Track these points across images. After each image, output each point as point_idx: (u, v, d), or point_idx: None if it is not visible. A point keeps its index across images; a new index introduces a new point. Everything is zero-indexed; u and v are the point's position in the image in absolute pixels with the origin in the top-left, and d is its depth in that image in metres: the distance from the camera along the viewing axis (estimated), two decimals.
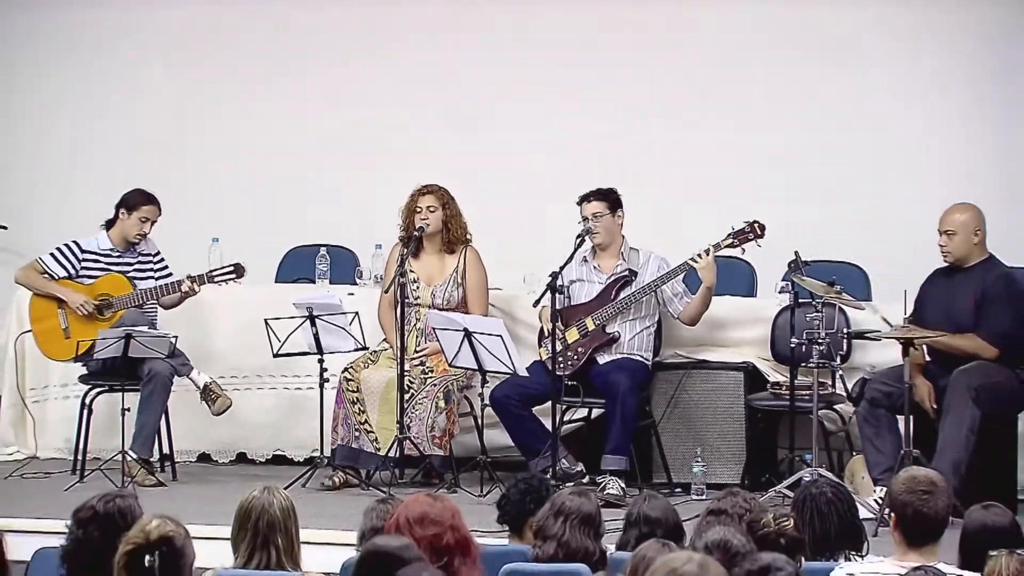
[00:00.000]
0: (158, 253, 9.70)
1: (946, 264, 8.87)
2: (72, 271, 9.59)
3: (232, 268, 9.47)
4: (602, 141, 10.73)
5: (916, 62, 10.76)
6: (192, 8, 11.42)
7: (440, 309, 9.37)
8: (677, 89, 10.88)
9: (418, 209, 9.45)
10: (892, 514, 5.81)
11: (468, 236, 9.57)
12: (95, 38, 11.58)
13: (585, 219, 9.30)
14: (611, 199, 9.31)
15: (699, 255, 9.08)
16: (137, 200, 9.55)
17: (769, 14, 10.86)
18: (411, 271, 9.41)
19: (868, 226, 10.31)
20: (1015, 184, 10.38)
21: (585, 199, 9.32)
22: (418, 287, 9.45)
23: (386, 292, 9.45)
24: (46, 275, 9.58)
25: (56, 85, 11.62)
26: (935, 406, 8.62)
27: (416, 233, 9.41)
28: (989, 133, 10.60)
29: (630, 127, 10.82)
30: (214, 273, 9.46)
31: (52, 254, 9.58)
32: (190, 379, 9.40)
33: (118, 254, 9.62)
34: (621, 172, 9.83)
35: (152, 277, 9.65)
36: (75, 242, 9.61)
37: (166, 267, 9.69)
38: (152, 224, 9.58)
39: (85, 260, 9.59)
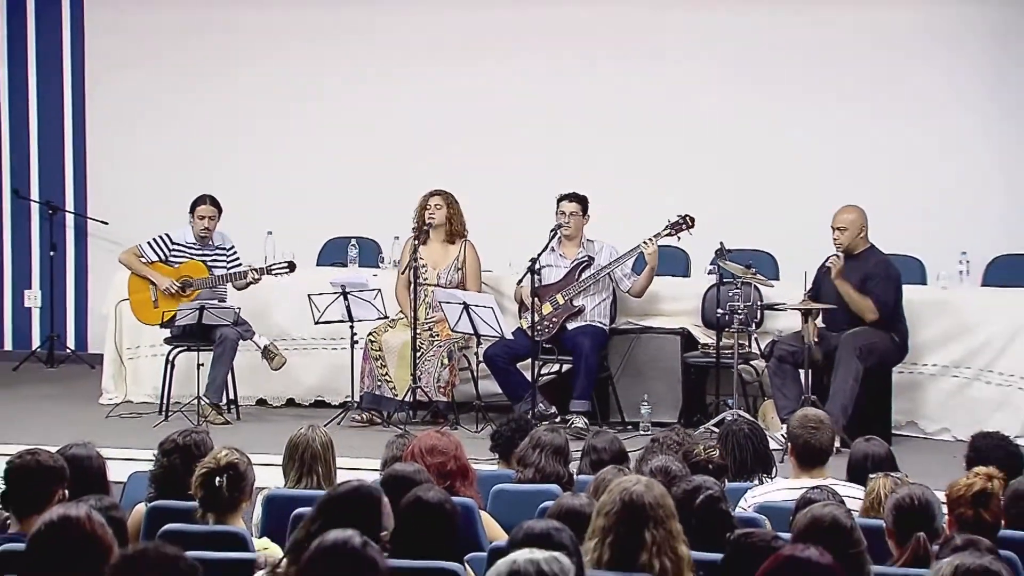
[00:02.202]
0: (233, 248, 9.72)
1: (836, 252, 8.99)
2: (163, 257, 9.58)
3: (287, 264, 9.50)
4: (573, 154, 10.65)
5: (813, 73, 10.61)
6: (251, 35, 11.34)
7: (444, 287, 9.46)
8: (634, 109, 10.75)
9: (428, 208, 9.52)
10: (792, 443, 6.14)
11: (466, 231, 9.63)
12: (177, 51, 11.44)
13: (562, 214, 9.44)
14: (584, 202, 9.46)
15: (646, 242, 9.21)
16: (195, 203, 9.62)
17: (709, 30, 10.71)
18: (421, 258, 9.44)
19: (777, 221, 10.19)
20: (889, 186, 10.29)
21: (565, 198, 9.46)
22: (426, 270, 9.49)
23: (403, 274, 9.56)
24: (142, 259, 9.57)
25: (142, 98, 11.42)
26: (823, 361, 8.77)
27: (425, 227, 9.49)
28: (884, 136, 10.49)
29: (595, 142, 10.75)
30: (272, 267, 9.50)
31: (148, 242, 9.59)
32: (253, 342, 9.43)
33: (198, 247, 9.64)
34: (588, 179, 9.82)
35: (224, 266, 9.65)
36: (167, 234, 9.62)
37: (238, 259, 9.70)
38: (212, 219, 9.60)
39: (174, 249, 9.60)
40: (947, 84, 10.49)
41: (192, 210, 9.66)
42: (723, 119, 10.68)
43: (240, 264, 9.76)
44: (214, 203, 9.66)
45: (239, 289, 9.67)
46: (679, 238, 9.41)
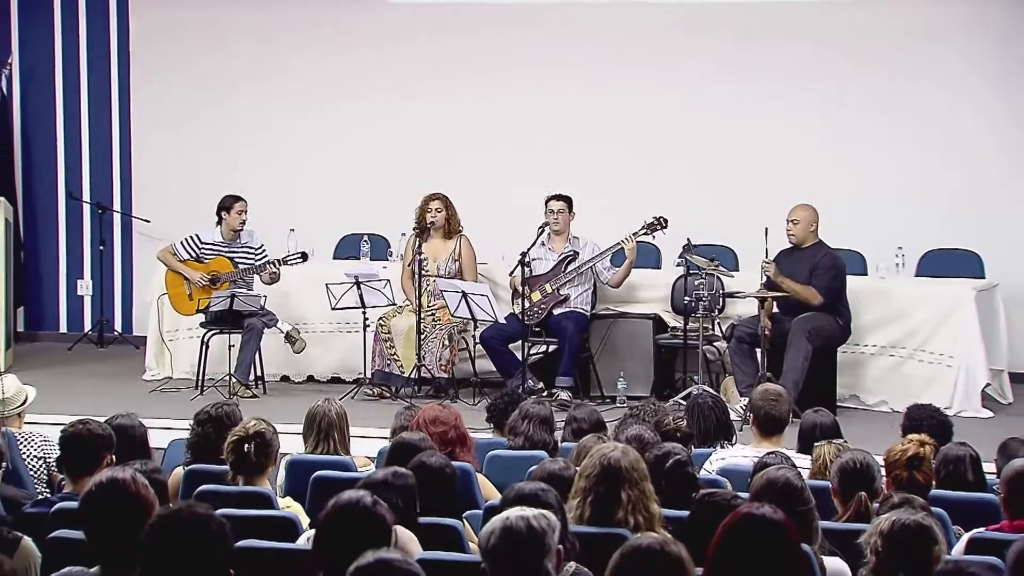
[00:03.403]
0: (262, 246, 9.67)
1: (790, 245, 9.01)
2: (194, 254, 9.58)
3: (300, 255, 9.46)
4: (560, 160, 10.53)
5: (766, 86, 10.44)
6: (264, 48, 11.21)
7: (444, 277, 9.44)
8: (614, 120, 10.63)
9: (429, 209, 9.48)
10: (751, 415, 6.22)
11: (461, 228, 9.59)
12: (210, 68, 11.30)
13: (550, 212, 9.40)
14: (570, 202, 9.44)
15: (626, 239, 9.21)
16: (230, 201, 9.56)
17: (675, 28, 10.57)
18: (423, 252, 9.39)
19: (737, 220, 9.98)
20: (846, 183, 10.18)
21: (553, 198, 9.43)
22: (427, 263, 9.44)
23: (408, 266, 9.52)
24: (176, 256, 9.59)
25: (180, 107, 11.35)
26: (778, 342, 8.74)
27: (428, 226, 9.48)
28: (831, 144, 10.34)
29: (579, 148, 10.63)
30: (288, 258, 9.46)
31: (181, 242, 9.60)
32: (277, 328, 9.47)
33: (226, 245, 9.60)
34: (573, 181, 9.78)
35: (251, 261, 9.59)
36: (197, 235, 9.61)
37: (265, 256, 9.63)
38: (246, 214, 9.56)
39: (204, 247, 9.59)
40: (884, 94, 10.34)
41: (228, 209, 9.60)
42: (690, 130, 10.59)
43: (267, 258, 9.72)
44: (244, 200, 9.63)
45: (267, 284, 9.64)
46: (654, 236, 9.41)
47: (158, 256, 9.83)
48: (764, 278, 8.95)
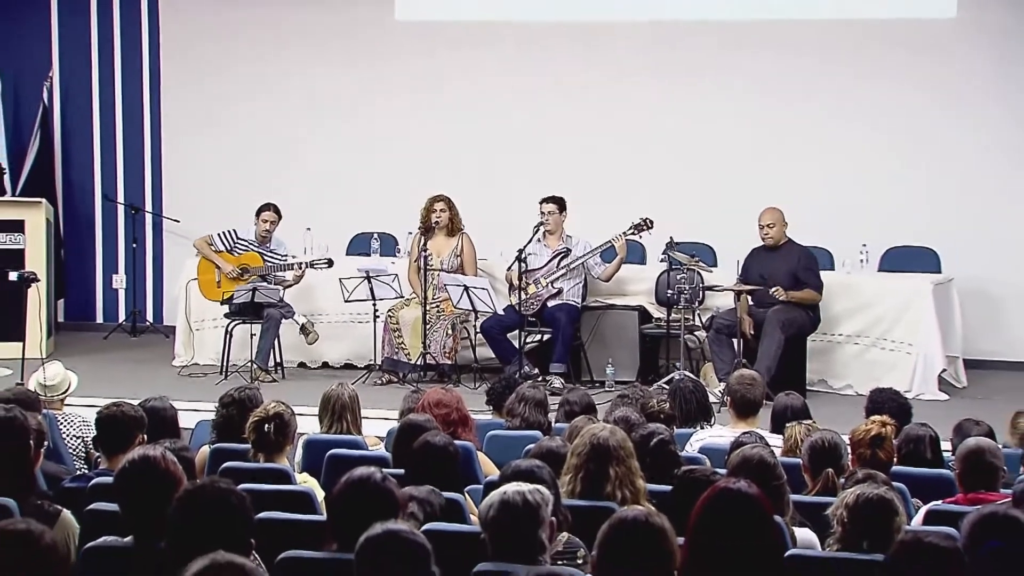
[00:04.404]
0: (286, 254, 9.66)
1: (763, 244, 9.03)
2: (229, 247, 9.56)
3: (327, 261, 9.48)
4: (554, 165, 10.49)
5: (740, 96, 10.41)
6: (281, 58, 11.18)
7: (447, 272, 9.39)
8: (603, 128, 10.62)
9: (433, 210, 9.48)
10: (728, 398, 6.23)
11: (463, 227, 9.56)
12: (234, 75, 11.27)
13: (543, 213, 9.37)
14: (562, 203, 9.40)
15: (615, 237, 9.18)
16: (260, 209, 9.59)
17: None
18: (427, 249, 9.36)
19: (715, 220, 10.06)
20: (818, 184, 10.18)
21: (546, 200, 9.40)
22: (432, 259, 9.38)
23: (415, 262, 9.50)
24: (212, 246, 9.58)
25: (206, 113, 11.33)
26: (752, 332, 8.79)
27: (432, 225, 9.48)
28: (800, 150, 10.31)
29: (572, 155, 10.62)
30: (315, 262, 9.48)
31: (219, 234, 9.58)
32: (293, 320, 9.46)
33: (257, 244, 9.60)
34: (565, 185, 9.70)
35: (278, 261, 9.62)
36: (234, 230, 9.61)
37: (287, 258, 9.65)
38: (273, 223, 9.55)
39: (239, 243, 9.58)
40: (849, 101, 10.29)
41: (257, 215, 9.62)
42: (672, 140, 10.59)
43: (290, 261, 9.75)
44: (276, 211, 9.62)
45: (288, 287, 9.63)
46: (640, 236, 9.42)
47: (195, 244, 9.80)
48: (741, 274, 9.05)
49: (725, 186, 10.39)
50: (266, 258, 9.64)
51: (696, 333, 9.27)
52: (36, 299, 8.63)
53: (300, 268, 9.55)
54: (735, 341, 8.82)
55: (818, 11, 10.36)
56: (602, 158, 10.67)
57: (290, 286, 9.62)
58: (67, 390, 6.46)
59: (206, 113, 11.40)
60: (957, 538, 3.47)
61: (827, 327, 9.20)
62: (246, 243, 9.65)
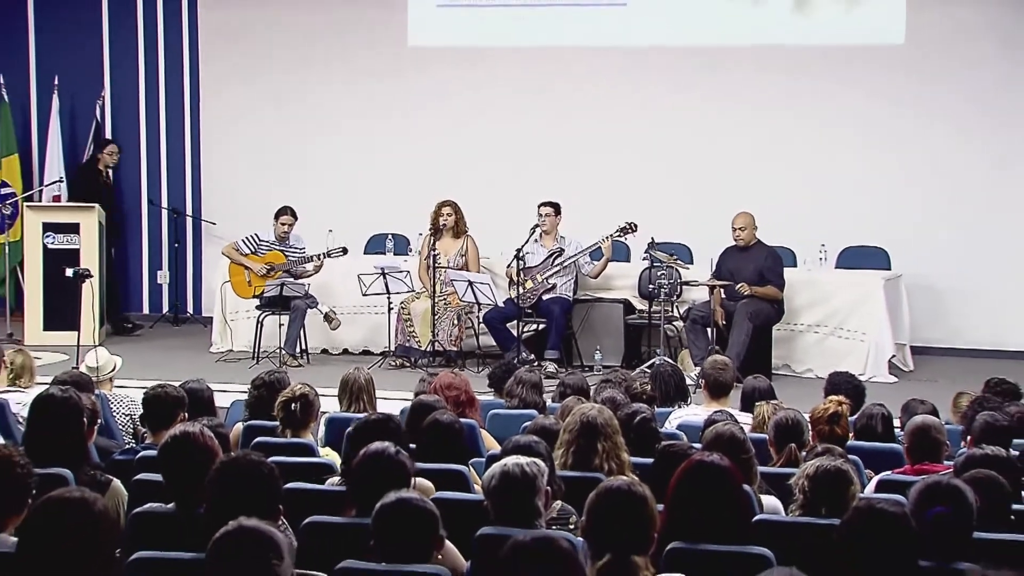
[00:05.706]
0: (303, 248, 9.56)
1: (735, 245, 8.98)
2: (253, 249, 9.54)
3: (341, 249, 9.44)
4: (550, 173, 10.46)
5: (714, 104, 10.31)
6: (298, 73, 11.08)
7: (453, 269, 9.34)
8: (593, 139, 10.56)
9: (441, 213, 9.43)
10: (702, 380, 6.22)
11: (467, 229, 9.51)
12: (264, 90, 11.16)
13: (541, 215, 9.30)
14: (558, 207, 9.34)
15: (603, 239, 9.11)
16: (279, 212, 9.53)
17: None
18: (436, 249, 9.34)
19: (692, 222, 10.01)
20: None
21: (544, 204, 9.33)
22: (440, 257, 9.34)
23: (424, 260, 9.45)
24: (238, 251, 9.56)
25: (238, 123, 11.25)
26: (724, 322, 8.74)
27: (440, 227, 9.42)
28: (769, 151, 10.19)
29: (566, 163, 10.55)
30: (331, 252, 9.44)
31: (243, 240, 9.56)
32: (317, 310, 9.40)
33: (278, 244, 9.55)
34: (560, 191, 9.70)
35: (298, 254, 9.57)
36: (256, 234, 9.57)
37: (305, 251, 9.57)
38: (290, 225, 9.48)
39: (261, 244, 9.55)
40: (812, 116, 10.20)
41: (276, 218, 9.59)
42: (654, 151, 10.51)
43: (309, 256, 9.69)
44: (293, 214, 9.58)
45: (310, 277, 9.58)
46: (625, 237, 9.37)
47: (223, 251, 9.81)
48: (714, 271, 8.99)
49: (702, 192, 10.34)
50: (288, 254, 9.58)
51: (674, 323, 9.23)
52: (89, 293, 8.59)
53: (319, 259, 9.51)
54: (709, 330, 8.80)
55: (785, 37, 10.29)
56: (591, 168, 10.61)
57: (311, 275, 9.55)
58: (113, 371, 6.43)
59: (239, 128, 11.35)
60: (905, 505, 3.46)
61: (790, 318, 9.15)
62: (268, 244, 9.60)
